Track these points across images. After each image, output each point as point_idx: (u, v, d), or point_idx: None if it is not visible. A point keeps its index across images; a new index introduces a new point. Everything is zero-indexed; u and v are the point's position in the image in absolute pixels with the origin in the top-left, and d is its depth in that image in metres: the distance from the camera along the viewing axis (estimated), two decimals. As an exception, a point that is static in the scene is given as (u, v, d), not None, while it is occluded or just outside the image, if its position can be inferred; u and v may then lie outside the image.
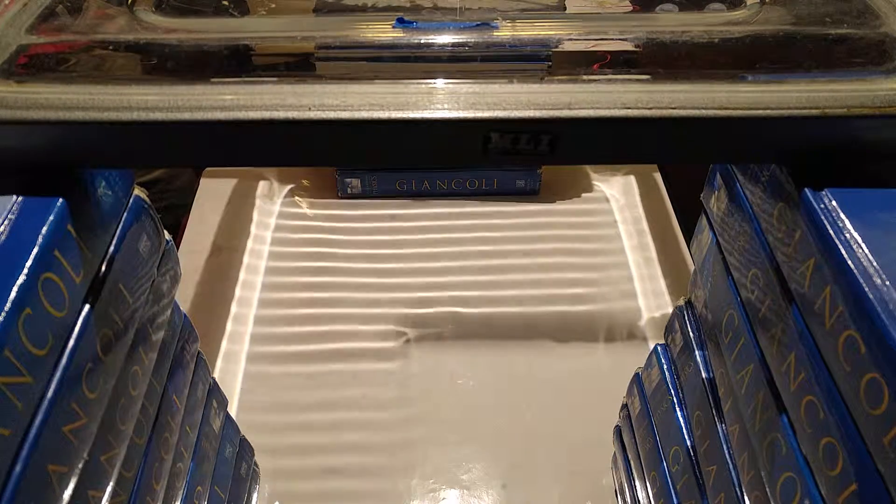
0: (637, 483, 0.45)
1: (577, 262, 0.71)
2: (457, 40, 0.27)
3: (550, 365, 0.62)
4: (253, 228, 0.75)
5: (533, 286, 0.69)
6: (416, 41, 0.28)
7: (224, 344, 0.64)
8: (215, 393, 0.43)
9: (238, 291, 0.69)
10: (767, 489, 0.27)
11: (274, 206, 0.78)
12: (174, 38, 0.27)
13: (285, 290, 0.69)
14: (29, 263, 0.21)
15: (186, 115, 0.22)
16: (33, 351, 0.21)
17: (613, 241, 0.74)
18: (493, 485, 0.54)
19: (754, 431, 0.28)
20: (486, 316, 0.66)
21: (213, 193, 0.79)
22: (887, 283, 0.20)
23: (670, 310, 0.49)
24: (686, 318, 0.37)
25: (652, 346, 0.42)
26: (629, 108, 0.22)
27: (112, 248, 0.26)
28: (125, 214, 0.28)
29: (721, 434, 0.32)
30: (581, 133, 0.23)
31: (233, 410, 0.58)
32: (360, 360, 0.63)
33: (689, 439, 0.36)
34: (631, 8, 0.32)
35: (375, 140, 0.23)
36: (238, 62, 0.27)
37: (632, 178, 0.81)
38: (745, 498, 0.29)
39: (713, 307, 0.33)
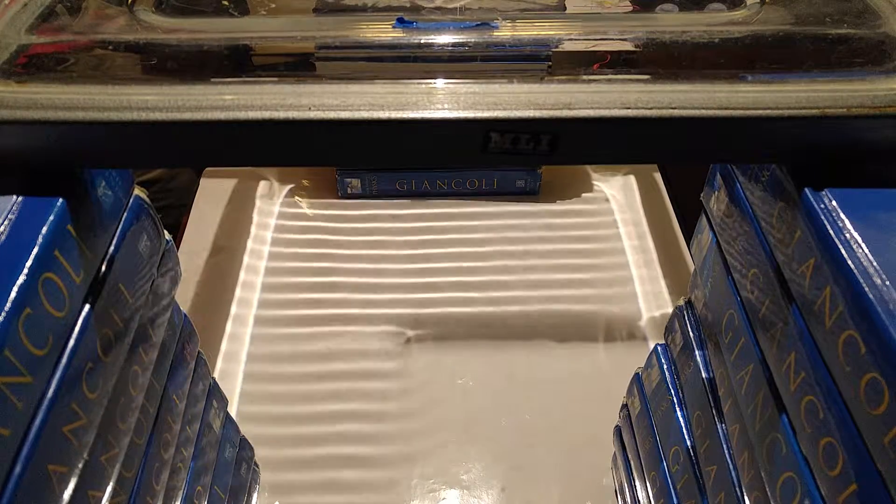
0: (637, 483, 0.45)
1: (577, 263, 0.71)
2: (457, 40, 0.27)
3: (550, 365, 0.62)
4: (253, 228, 0.75)
5: (533, 286, 0.69)
6: (416, 41, 0.28)
7: (224, 344, 0.64)
8: (215, 393, 0.43)
9: (238, 291, 0.69)
10: (767, 489, 0.27)
11: (274, 206, 0.78)
12: (174, 38, 0.27)
13: (285, 291, 0.69)
14: (29, 263, 0.21)
15: (186, 115, 0.22)
16: (33, 351, 0.21)
17: (613, 241, 0.74)
18: (493, 485, 0.54)
19: (754, 431, 0.28)
20: (486, 316, 0.66)
21: (213, 193, 0.79)
22: (887, 283, 0.20)
23: (670, 310, 0.49)
24: (686, 318, 0.37)
25: (652, 346, 0.42)
26: (629, 108, 0.22)
27: (112, 248, 0.26)
28: (125, 214, 0.28)
29: (721, 434, 0.32)
30: (581, 133, 0.23)
31: (233, 410, 0.58)
32: (360, 359, 0.63)
33: (689, 439, 0.36)
34: (631, 8, 0.32)
35: (375, 140, 0.23)
36: (238, 62, 0.27)
37: (632, 178, 0.81)
38: (745, 498, 0.29)
39: (713, 307, 0.33)
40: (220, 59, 0.27)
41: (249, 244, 0.73)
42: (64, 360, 0.23)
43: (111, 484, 0.27)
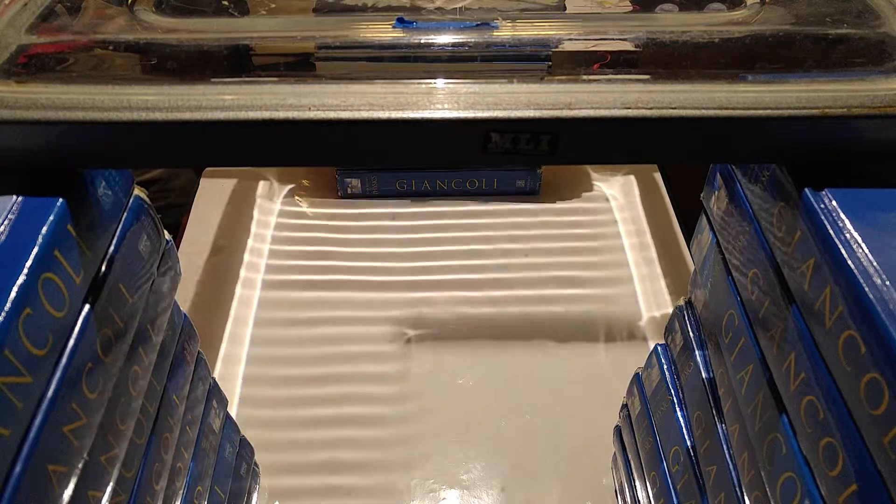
0: (637, 483, 0.45)
1: (577, 262, 0.71)
2: (457, 40, 0.27)
3: (550, 365, 0.62)
4: (253, 228, 0.75)
5: (533, 286, 0.69)
6: (416, 41, 0.28)
7: (224, 344, 0.64)
8: (215, 393, 0.43)
9: (238, 291, 0.69)
10: (767, 489, 0.27)
11: (274, 206, 0.78)
12: (174, 38, 0.27)
13: (285, 291, 0.69)
14: (29, 263, 0.21)
15: (186, 115, 0.22)
16: (33, 351, 0.21)
17: (613, 241, 0.74)
18: (493, 485, 0.54)
19: (754, 431, 0.28)
20: (486, 316, 0.66)
21: (213, 193, 0.79)
22: (887, 283, 0.20)
23: (670, 310, 0.49)
24: (686, 318, 0.37)
25: (652, 346, 0.42)
26: (629, 108, 0.22)
27: (112, 248, 0.26)
28: (125, 214, 0.28)
29: (721, 434, 0.32)
30: (581, 133, 0.23)
31: (233, 410, 0.58)
32: (360, 360, 0.63)
33: (689, 439, 0.36)
34: (631, 8, 0.32)
35: (375, 140, 0.23)
36: (238, 62, 0.27)
37: (632, 178, 0.81)
38: (745, 498, 0.29)
39: (713, 307, 0.33)
40: (220, 59, 0.27)
41: (249, 244, 0.73)
42: (64, 360, 0.23)
43: (111, 484, 0.27)
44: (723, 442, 0.32)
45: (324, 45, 0.27)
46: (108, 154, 0.24)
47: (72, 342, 0.23)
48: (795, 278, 0.24)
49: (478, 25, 0.28)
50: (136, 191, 0.29)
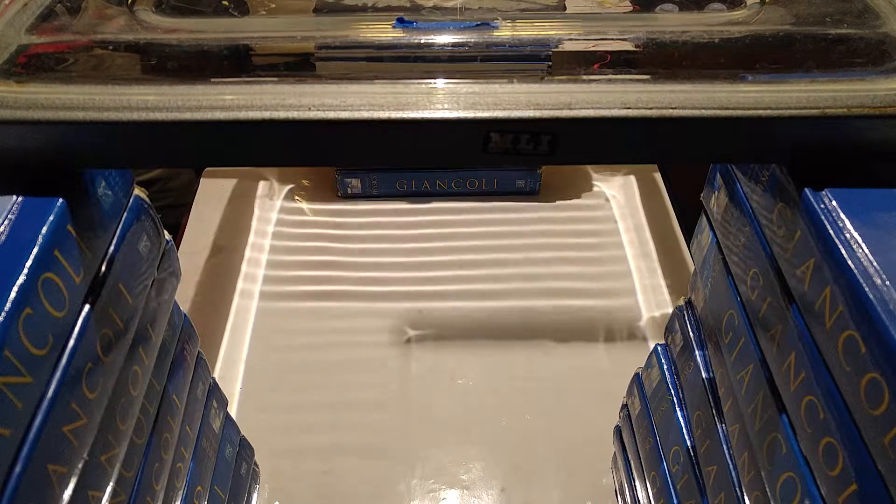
0: (637, 483, 0.45)
1: (576, 262, 0.71)
2: (457, 40, 0.27)
3: (550, 365, 0.62)
4: (253, 228, 0.75)
5: (533, 286, 0.69)
6: (416, 41, 0.28)
7: (224, 344, 0.64)
8: (215, 393, 0.43)
9: (238, 291, 0.69)
10: (767, 489, 0.27)
11: (274, 206, 0.78)
12: (174, 38, 0.27)
13: (285, 291, 0.69)
14: (29, 263, 0.21)
15: (186, 115, 0.22)
16: (33, 351, 0.21)
17: (613, 241, 0.74)
18: (493, 485, 0.54)
19: (754, 431, 0.28)
20: (486, 316, 0.66)
21: (213, 193, 0.79)
22: (887, 283, 0.20)
23: (670, 310, 0.49)
24: (686, 318, 0.37)
25: (652, 346, 0.42)
26: (629, 108, 0.22)
27: (112, 248, 0.26)
28: (125, 214, 0.28)
29: (721, 434, 0.32)
30: (581, 133, 0.23)
31: (233, 410, 0.58)
32: (360, 358, 0.63)
33: (689, 439, 0.36)
34: (631, 8, 0.32)
35: (375, 140, 0.23)
36: (238, 62, 0.27)
37: (632, 178, 0.81)
38: (745, 498, 0.29)
39: (713, 307, 0.33)
40: (220, 59, 0.27)
41: (249, 244, 0.73)
42: (64, 360, 0.23)
43: (111, 484, 0.27)
44: (723, 442, 0.32)
45: (324, 45, 0.27)
46: (108, 154, 0.24)
47: (72, 342, 0.23)
48: (795, 278, 0.24)
49: (478, 25, 0.28)
50: (136, 191, 0.29)
